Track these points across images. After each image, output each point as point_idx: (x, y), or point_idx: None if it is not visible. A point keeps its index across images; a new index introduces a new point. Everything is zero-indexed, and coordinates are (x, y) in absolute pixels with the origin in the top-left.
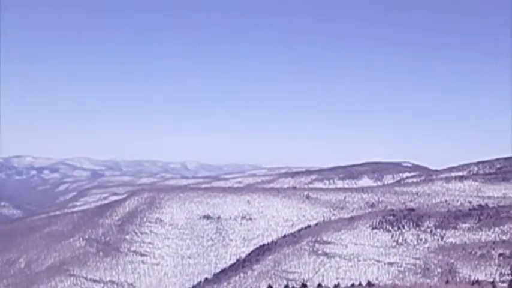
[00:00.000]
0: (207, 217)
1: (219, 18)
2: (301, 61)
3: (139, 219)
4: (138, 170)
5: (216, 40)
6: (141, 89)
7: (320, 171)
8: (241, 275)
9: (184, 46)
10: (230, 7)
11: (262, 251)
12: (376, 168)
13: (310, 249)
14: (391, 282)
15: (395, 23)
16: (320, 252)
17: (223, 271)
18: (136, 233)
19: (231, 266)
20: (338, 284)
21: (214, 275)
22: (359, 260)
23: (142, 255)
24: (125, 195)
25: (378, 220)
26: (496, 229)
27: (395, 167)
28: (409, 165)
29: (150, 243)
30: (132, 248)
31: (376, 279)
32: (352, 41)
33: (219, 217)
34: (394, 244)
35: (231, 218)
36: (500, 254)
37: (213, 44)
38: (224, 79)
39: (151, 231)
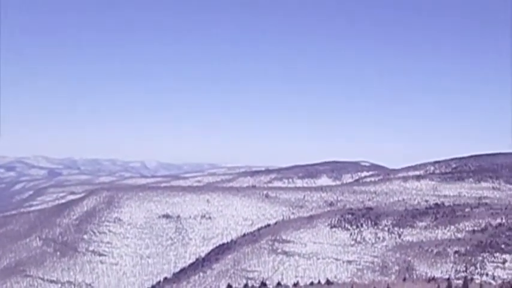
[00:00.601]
0: (167, 216)
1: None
2: (256, 61)
3: (98, 218)
4: (96, 168)
5: (175, 42)
6: (100, 88)
7: (279, 170)
8: (201, 274)
9: (146, 46)
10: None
11: (222, 250)
12: (335, 168)
13: (270, 248)
14: (349, 280)
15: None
16: (279, 251)
17: (182, 270)
18: (94, 233)
19: (191, 265)
20: (297, 282)
21: (174, 274)
22: (318, 259)
23: (100, 255)
24: (82, 194)
25: (336, 219)
26: (452, 227)
27: (354, 166)
28: (368, 164)
29: (108, 242)
30: (90, 248)
31: (335, 277)
32: (312, 42)
33: (178, 216)
34: (352, 242)
35: (190, 217)
36: (455, 252)
37: (172, 45)
38: (183, 79)
39: (109, 231)
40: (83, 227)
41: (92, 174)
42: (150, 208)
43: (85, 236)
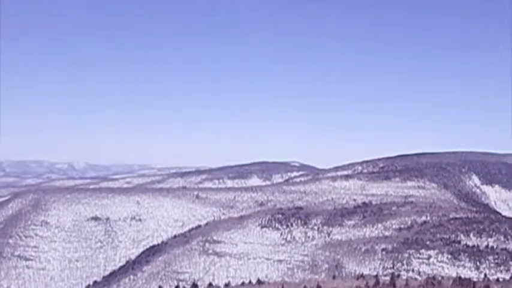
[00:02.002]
0: (95, 218)
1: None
2: (183, 61)
3: (24, 222)
4: (22, 170)
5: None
6: (25, 88)
7: (210, 171)
8: (131, 276)
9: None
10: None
11: (152, 252)
12: (265, 168)
13: (201, 249)
14: (280, 279)
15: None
16: (210, 251)
17: (112, 273)
18: (20, 237)
19: (121, 268)
20: (229, 282)
21: (104, 277)
22: (249, 259)
23: (27, 259)
24: (8, 197)
25: (267, 219)
26: (379, 225)
27: (284, 166)
28: (297, 164)
29: (35, 247)
30: (16, 253)
31: (266, 276)
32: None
33: (107, 218)
34: (283, 242)
35: (120, 219)
36: (383, 249)
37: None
38: (110, 79)
39: (36, 235)
40: (8, 231)
41: (18, 177)
42: (79, 210)
43: (10, 241)
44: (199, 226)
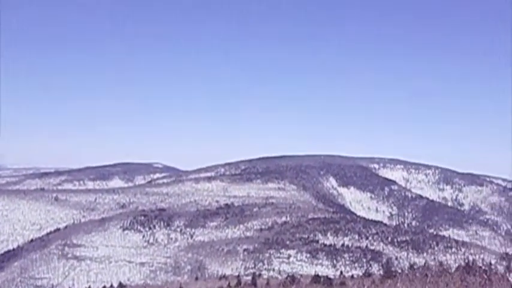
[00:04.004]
0: None
1: None
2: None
3: None
4: None
5: None
6: None
7: (70, 172)
8: None
9: None
10: None
11: (7, 257)
12: (127, 169)
13: (60, 253)
14: (142, 282)
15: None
16: (70, 255)
17: None
18: None
19: None
20: (89, 287)
21: None
22: (110, 262)
23: None
24: None
25: (129, 221)
26: (241, 226)
27: (147, 167)
28: (160, 166)
29: None
30: None
31: (128, 279)
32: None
33: None
34: (145, 244)
35: None
36: (244, 250)
37: None
38: None
39: None
40: None
41: None
42: None
43: None
44: (58, 229)
